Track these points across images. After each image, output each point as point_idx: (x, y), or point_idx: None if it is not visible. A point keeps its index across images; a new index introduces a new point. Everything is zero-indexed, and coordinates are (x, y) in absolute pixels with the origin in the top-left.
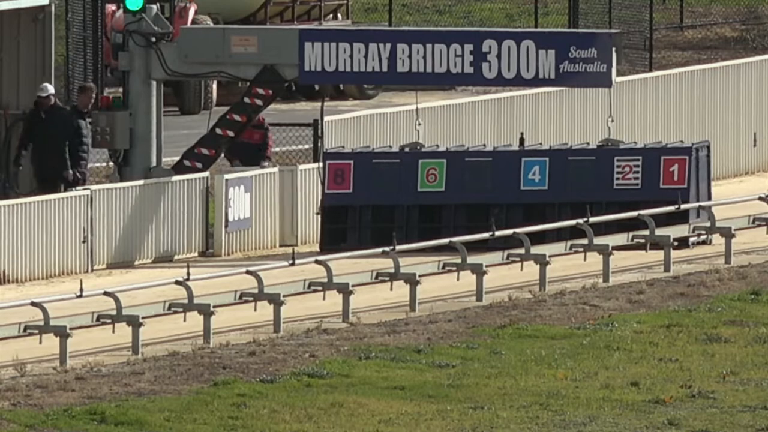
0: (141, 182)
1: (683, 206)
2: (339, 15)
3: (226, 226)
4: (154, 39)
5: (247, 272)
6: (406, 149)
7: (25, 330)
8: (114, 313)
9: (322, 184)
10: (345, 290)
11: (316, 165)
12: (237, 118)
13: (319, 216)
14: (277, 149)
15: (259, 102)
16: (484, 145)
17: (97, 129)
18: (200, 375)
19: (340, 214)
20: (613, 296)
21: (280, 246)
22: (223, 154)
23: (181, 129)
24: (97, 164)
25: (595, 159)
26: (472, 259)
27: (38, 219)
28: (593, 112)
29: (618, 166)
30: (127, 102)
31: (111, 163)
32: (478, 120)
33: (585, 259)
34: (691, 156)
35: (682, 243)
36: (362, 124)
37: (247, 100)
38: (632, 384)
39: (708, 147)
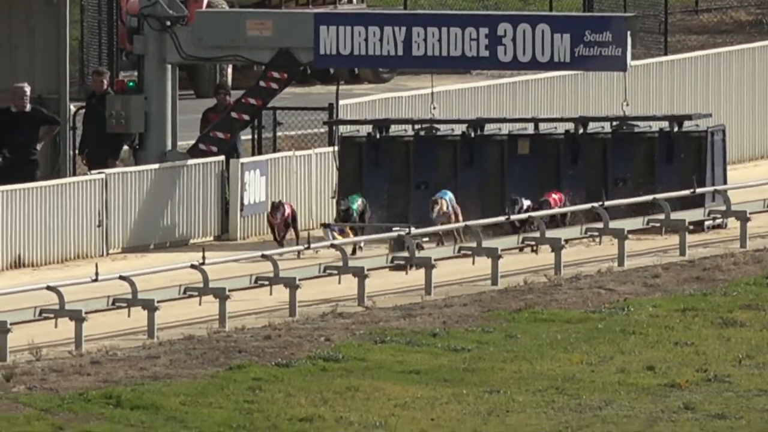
0: (156, 166)
1: (698, 190)
2: None
3: (241, 210)
4: (169, 23)
5: (263, 256)
6: (421, 132)
7: (40, 314)
8: (129, 297)
9: (338, 168)
10: (360, 274)
11: (331, 149)
12: (252, 101)
13: (334, 200)
14: (293, 133)
15: (274, 86)
16: (500, 128)
17: (112, 113)
18: (216, 359)
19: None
20: (629, 280)
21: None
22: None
23: (195, 113)
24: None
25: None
26: (487, 244)
27: (53, 203)
28: (608, 96)
29: None
30: (142, 86)
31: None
32: (493, 104)
33: (600, 243)
34: (707, 140)
35: (698, 227)
36: (377, 108)
37: (262, 83)
38: (648, 368)
39: (723, 131)
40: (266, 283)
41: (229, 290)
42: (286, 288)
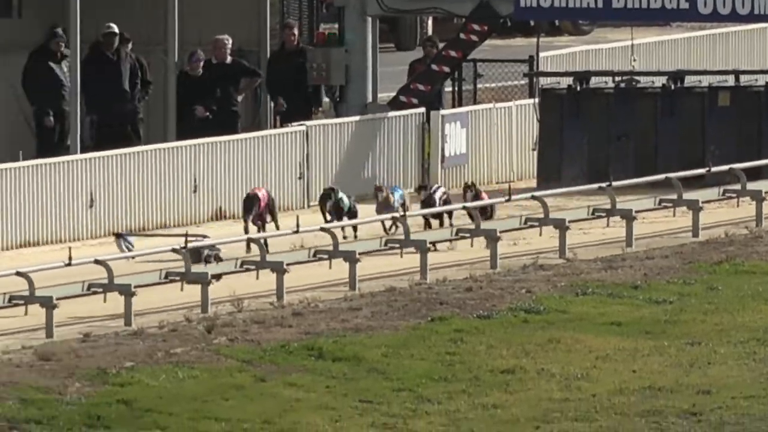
0: (357, 118)
1: None
2: None
3: (442, 162)
4: None
5: (464, 208)
6: (622, 85)
7: (242, 266)
8: (330, 249)
9: (539, 120)
10: (561, 226)
11: (531, 101)
12: (453, 54)
13: (535, 152)
14: (493, 85)
15: (474, 38)
16: (700, 80)
17: (313, 65)
18: (417, 311)
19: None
20: None
21: (496, 182)
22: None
23: (397, 65)
24: None
25: None
26: (688, 196)
27: (255, 155)
28: None
29: None
30: (343, 38)
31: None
32: (692, 56)
33: None
34: None
35: None
36: (577, 60)
37: (462, 36)
38: None
39: None
40: (467, 235)
41: (430, 242)
42: (487, 240)
